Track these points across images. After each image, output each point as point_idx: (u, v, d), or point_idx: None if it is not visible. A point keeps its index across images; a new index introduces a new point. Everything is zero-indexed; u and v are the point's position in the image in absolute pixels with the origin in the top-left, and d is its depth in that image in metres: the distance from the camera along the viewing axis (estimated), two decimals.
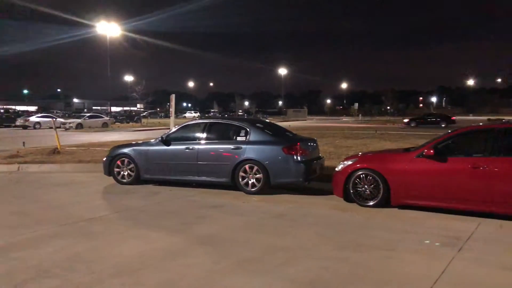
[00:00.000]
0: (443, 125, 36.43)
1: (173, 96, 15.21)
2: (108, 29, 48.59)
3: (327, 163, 9.59)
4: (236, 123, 8.82)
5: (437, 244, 5.05)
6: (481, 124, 7.54)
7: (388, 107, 75.32)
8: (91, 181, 9.72)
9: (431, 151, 6.55)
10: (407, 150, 7.35)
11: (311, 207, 7.10)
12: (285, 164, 7.91)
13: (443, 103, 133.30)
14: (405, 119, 42.89)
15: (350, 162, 7.32)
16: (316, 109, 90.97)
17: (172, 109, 15.44)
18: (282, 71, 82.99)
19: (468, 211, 6.26)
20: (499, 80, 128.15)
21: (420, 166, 6.64)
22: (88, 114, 42.96)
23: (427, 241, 5.16)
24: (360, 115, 69.11)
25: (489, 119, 7.08)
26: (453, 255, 4.63)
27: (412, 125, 37.73)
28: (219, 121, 9.72)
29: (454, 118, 39.02)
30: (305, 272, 4.18)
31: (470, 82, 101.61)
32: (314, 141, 8.94)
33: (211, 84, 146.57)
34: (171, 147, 8.91)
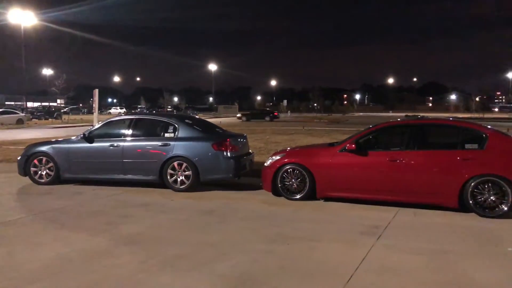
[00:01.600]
0: (267, 119, 44.61)
1: (96, 91, 14.49)
2: (22, 17, 44.95)
3: (257, 158, 9.73)
4: (164, 119, 8.62)
5: (358, 233, 5.34)
6: (398, 120, 8.09)
7: (315, 104, 78.03)
8: (4, 182, 8.96)
9: (353, 145, 6.90)
10: (331, 145, 7.67)
11: (241, 202, 7.15)
12: (215, 160, 7.88)
13: (366, 101, 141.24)
14: (238, 114, 51.23)
15: (278, 157, 7.48)
16: (247, 106, 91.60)
17: (96, 105, 14.74)
18: (212, 67, 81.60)
19: (388, 201, 6.68)
20: (415, 79, 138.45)
21: (343, 160, 6.97)
22: (0, 110, 39.44)
23: (349, 231, 5.43)
24: (289, 111, 70.87)
25: (407, 116, 7.73)
26: (372, 243, 4.91)
27: (244, 119, 44.84)
28: (146, 117, 9.44)
29: (276, 113, 48.24)
30: (234, 267, 4.20)
31: (390, 80, 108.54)
32: (244, 137, 9.00)
33: (138, 79, 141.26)
34: (94, 144, 8.48)
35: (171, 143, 8.03)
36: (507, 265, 4.28)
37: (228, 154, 7.93)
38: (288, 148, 8.51)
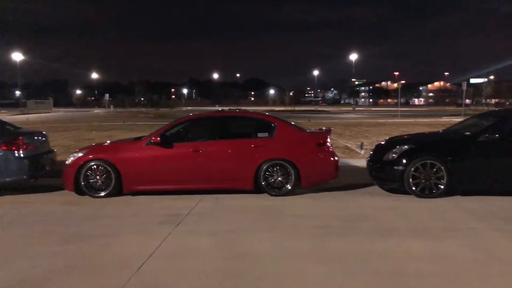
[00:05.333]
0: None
1: None
2: None
3: (64, 157, 9.01)
4: None
5: (158, 223, 5.49)
6: (202, 112, 8.55)
7: (142, 98, 76.25)
8: None
9: (158, 138, 7.04)
10: (138, 138, 7.66)
11: (37, 205, 6.57)
12: (5, 161, 7.02)
13: (194, 95, 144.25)
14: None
15: (81, 154, 7.11)
16: (65, 100, 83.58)
17: None
18: (17, 56, 66.00)
19: (194, 190, 7.04)
20: (238, 75, 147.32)
21: (149, 153, 7.05)
22: None
23: (150, 222, 5.55)
24: (111, 106, 67.39)
25: (222, 110, 8.29)
26: (170, 231, 5.13)
27: None
28: None
29: None
30: (14, 274, 3.87)
31: (216, 75, 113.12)
32: (43, 134, 8.24)
33: None
34: None
35: None
36: (284, 234, 5.00)
37: (21, 153, 7.16)
38: (94, 144, 8.14)
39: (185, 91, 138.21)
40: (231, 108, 9.74)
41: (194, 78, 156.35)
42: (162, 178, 7.02)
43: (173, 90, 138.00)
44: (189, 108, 77.22)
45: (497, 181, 6.84)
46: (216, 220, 5.68)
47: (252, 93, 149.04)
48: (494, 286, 3.57)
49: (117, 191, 6.95)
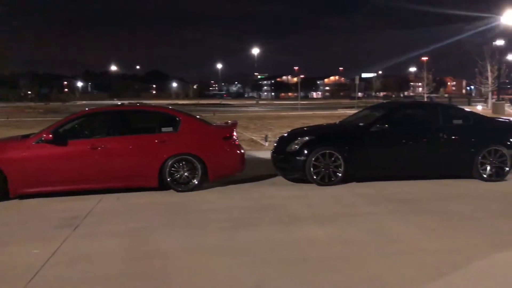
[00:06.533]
0: None
1: None
2: None
3: None
4: None
5: (53, 227, 5.03)
6: (100, 107, 8.02)
7: (29, 92, 69.35)
8: None
9: (50, 135, 6.43)
10: (26, 136, 6.95)
11: None
12: None
13: (89, 88, 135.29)
14: None
15: None
16: None
17: None
18: None
19: (94, 189, 6.56)
20: (138, 67, 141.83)
21: (40, 152, 6.42)
22: None
23: (44, 227, 5.06)
24: None
25: (122, 103, 7.78)
26: (67, 235, 4.72)
27: None
28: None
29: None
30: None
31: (114, 67, 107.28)
32: None
33: None
34: None
35: None
36: (192, 230, 4.89)
37: None
38: None
39: (79, 84, 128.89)
40: (131, 102, 9.29)
41: (90, 70, 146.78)
42: (58, 179, 6.43)
43: (65, 82, 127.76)
44: (84, 102, 72.12)
45: (387, 167, 7.48)
46: (118, 220, 5.37)
47: (154, 86, 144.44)
48: (389, 264, 3.88)
49: (2, 195, 6.21)
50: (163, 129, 7.01)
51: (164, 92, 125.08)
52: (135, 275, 3.70)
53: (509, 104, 36.13)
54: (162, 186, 6.77)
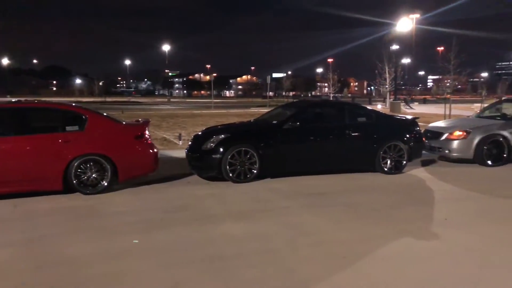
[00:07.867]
0: None
1: None
2: None
3: None
4: None
5: None
6: None
7: None
8: None
9: None
10: None
11: None
12: None
13: None
14: None
15: None
16: None
17: None
18: None
19: None
20: (35, 61, 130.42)
21: None
22: None
23: None
24: None
25: (18, 100, 6.96)
26: None
27: None
28: None
29: None
30: None
31: (5, 61, 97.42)
32: None
33: None
34: None
35: None
36: (102, 234, 4.59)
37: None
38: None
39: None
40: (28, 99, 8.49)
41: None
42: None
43: None
44: None
45: (300, 163, 7.76)
46: (16, 228, 4.86)
47: (54, 82, 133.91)
48: (303, 255, 4.01)
49: None
50: (68, 128, 6.49)
51: (66, 89, 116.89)
52: (39, 285, 3.37)
53: (404, 103, 39.82)
54: (68, 189, 6.29)
